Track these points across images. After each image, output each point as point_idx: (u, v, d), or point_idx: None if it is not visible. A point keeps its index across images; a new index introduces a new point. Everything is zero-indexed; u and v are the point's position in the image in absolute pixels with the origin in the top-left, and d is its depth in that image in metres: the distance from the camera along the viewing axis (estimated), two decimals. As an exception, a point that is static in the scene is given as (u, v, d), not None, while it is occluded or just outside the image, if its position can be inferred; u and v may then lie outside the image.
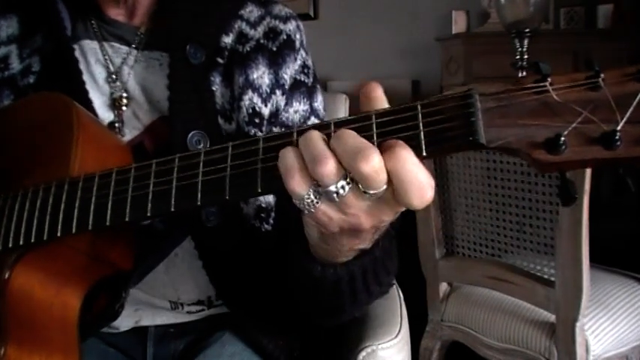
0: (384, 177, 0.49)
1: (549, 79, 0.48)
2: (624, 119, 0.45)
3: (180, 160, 0.60)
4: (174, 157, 0.61)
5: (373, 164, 0.48)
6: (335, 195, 0.50)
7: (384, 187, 0.50)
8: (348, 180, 0.50)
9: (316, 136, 0.51)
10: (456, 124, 0.49)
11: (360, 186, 0.50)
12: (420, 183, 0.48)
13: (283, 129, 0.86)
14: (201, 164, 0.59)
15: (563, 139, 0.46)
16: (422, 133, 0.50)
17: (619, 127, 0.45)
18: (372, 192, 0.50)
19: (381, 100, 0.53)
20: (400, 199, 0.49)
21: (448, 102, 0.50)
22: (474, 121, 0.49)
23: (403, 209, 0.53)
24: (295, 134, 0.54)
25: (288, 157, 0.51)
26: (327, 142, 0.51)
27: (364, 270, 0.66)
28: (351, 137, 0.50)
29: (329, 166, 0.49)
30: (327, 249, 0.61)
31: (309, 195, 0.51)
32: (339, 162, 0.50)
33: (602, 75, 0.47)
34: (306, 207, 0.52)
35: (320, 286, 0.67)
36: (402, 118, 0.51)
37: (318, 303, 0.74)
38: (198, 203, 0.58)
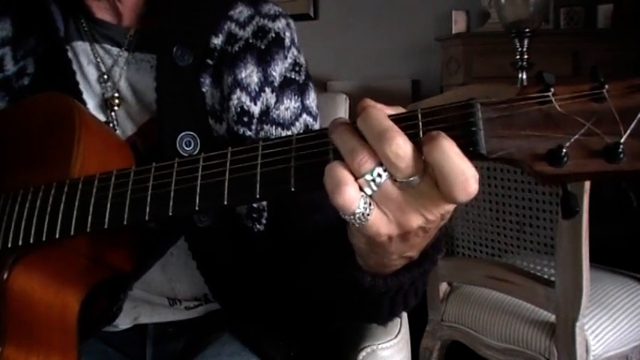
0: (409, 162, 0.48)
1: (552, 90, 0.47)
2: (628, 132, 0.44)
3: (180, 164, 0.60)
4: (173, 162, 0.61)
5: (396, 147, 0.47)
6: (372, 183, 0.49)
7: (416, 176, 0.48)
8: (384, 168, 0.49)
9: (349, 128, 0.51)
10: (457, 133, 0.48)
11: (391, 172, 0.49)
12: (464, 175, 0.46)
13: (274, 126, 0.86)
14: (200, 169, 0.58)
15: (565, 150, 0.45)
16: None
17: (622, 140, 0.44)
18: (400, 179, 0.48)
19: None
20: (445, 194, 0.47)
21: (449, 111, 0.49)
22: (475, 131, 0.48)
23: (449, 208, 0.51)
24: (294, 141, 0.54)
25: (336, 170, 0.50)
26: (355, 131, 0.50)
27: (412, 282, 0.64)
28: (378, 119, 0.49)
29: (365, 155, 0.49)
30: (376, 257, 0.58)
31: (359, 206, 0.50)
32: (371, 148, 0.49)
33: (606, 86, 0.46)
34: (357, 220, 0.50)
35: (365, 297, 0.65)
36: (402, 127, 0.49)
37: (351, 310, 0.72)
38: (197, 208, 0.58)
